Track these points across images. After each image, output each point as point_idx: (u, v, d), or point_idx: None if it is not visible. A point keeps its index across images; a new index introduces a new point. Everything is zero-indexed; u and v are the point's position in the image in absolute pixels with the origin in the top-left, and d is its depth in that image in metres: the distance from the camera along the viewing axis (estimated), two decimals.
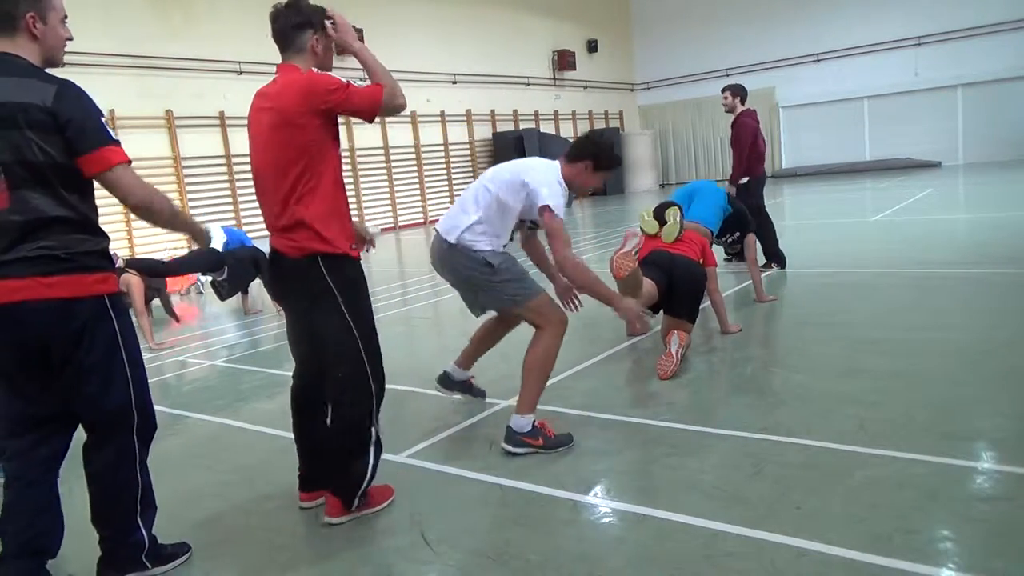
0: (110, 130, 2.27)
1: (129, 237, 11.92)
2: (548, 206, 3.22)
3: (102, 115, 2.28)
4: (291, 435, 3.88)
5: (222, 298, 7.85)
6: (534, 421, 3.31)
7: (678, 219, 4.91)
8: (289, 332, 2.97)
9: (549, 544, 2.54)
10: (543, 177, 3.30)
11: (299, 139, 2.62)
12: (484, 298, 3.47)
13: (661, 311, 4.59)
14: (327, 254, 2.65)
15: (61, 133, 2.18)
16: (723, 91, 7.41)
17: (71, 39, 2.40)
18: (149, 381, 2.54)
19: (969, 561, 2.23)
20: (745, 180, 7.15)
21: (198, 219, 14.90)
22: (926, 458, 2.90)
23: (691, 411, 3.72)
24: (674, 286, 4.50)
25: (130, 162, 2.30)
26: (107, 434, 2.42)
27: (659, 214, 4.99)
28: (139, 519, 2.50)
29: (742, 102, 7.30)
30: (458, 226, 3.34)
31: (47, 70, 2.29)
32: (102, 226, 2.36)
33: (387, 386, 3.97)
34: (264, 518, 2.98)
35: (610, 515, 2.73)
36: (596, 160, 3.41)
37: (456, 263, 3.38)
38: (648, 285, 4.34)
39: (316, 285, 2.66)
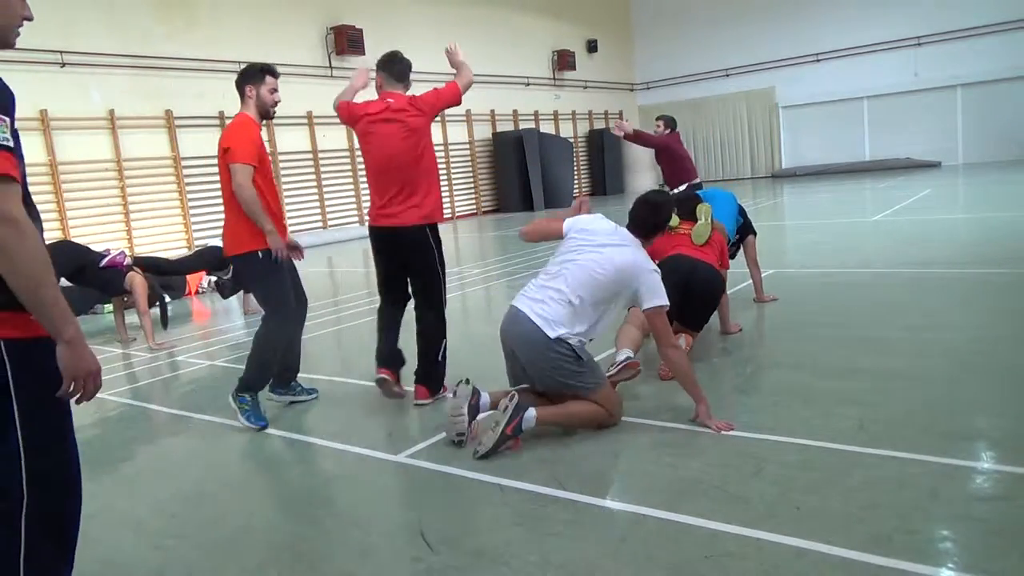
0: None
1: (129, 236, 11.92)
2: (658, 307, 3.46)
3: None
4: (291, 435, 3.91)
5: (224, 296, 7.88)
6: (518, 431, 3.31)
7: (711, 220, 4.78)
8: (389, 275, 4.21)
9: (549, 544, 2.54)
10: (652, 281, 3.48)
11: (423, 141, 4.10)
12: (553, 381, 3.47)
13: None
14: (434, 224, 4.12)
15: None
16: (656, 119, 8.42)
17: (30, 18, 1.96)
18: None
19: (969, 561, 2.23)
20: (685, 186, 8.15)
21: (200, 219, 14.75)
22: (926, 458, 2.90)
23: (691, 411, 3.72)
24: (692, 297, 4.37)
25: (16, 180, 1.74)
26: None
27: (685, 208, 4.84)
28: None
29: (671, 132, 8.30)
30: (561, 322, 3.43)
31: None
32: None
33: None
34: (265, 518, 2.98)
35: (610, 515, 2.74)
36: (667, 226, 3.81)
37: (548, 352, 3.42)
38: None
39: (426, 243, 4.07)
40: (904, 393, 3.66)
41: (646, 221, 3.65)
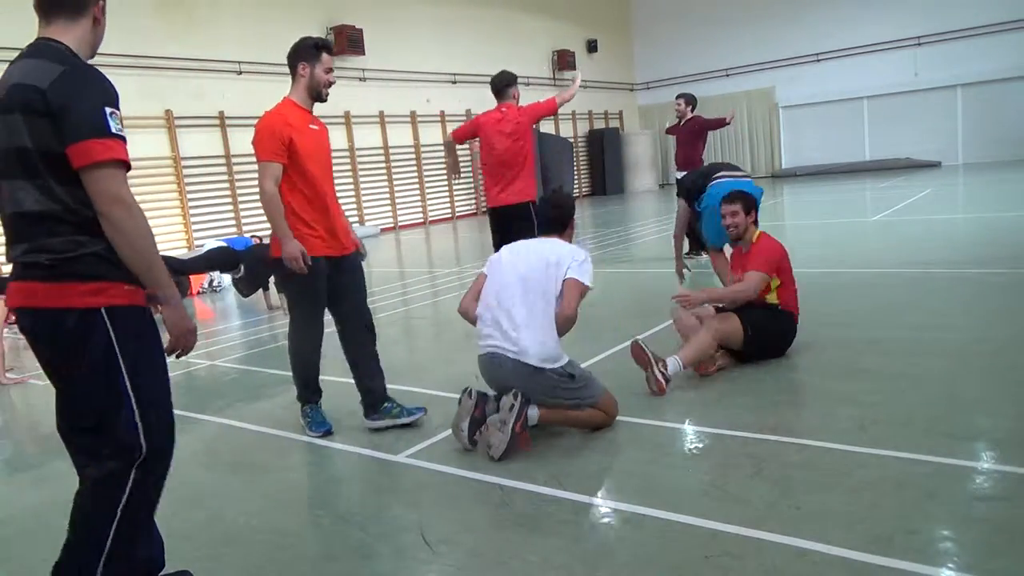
0: (113, 123, 1.97)
1: None
2: (579, 280, 3.46)
3: (108, 104, 1.98)
4: (291, 435, 3.90)
5: (244, 295, 7.91)
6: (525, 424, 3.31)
7: None
8: (505, 242, 4.40)
9: (549, 544, 2.54)
10: (579, 265, 3.48)
11: (527, 142, 5.49)
12: (553, 401, 3.43)
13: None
14: (533, 201, 5.39)
15: (53, 118, 1.92)
16: (676, 98, 8.98)
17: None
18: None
19: (969, 561, 2.23)
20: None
21: (200, 219, 14.78)
22: (926, 458, 2.90)
23: (691, 411, 3.72)
24: (761, 345, 4.34)
25: (126, 165, 2.00)
26: (94, 460, 2.06)
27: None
28: (97, 572, 2.07)
29: (692, 109, 8.87)
30: (540, 347, 3.37)
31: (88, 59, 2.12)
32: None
33: (388, 386, 4.00)
34: (265, 518, 2.98)
35: (610, 515, 2.74)
36: (574, 214, 3.80)
37: (540, 379, 3.38)
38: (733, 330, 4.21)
39: (529, 214, 5.32)
40: (905, 393, 3.66)
41: (558, 219, 3.71)
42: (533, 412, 3.33)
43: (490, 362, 3.49)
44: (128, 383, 2.03)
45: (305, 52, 3.65)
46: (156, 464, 2.16)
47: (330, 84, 3.72)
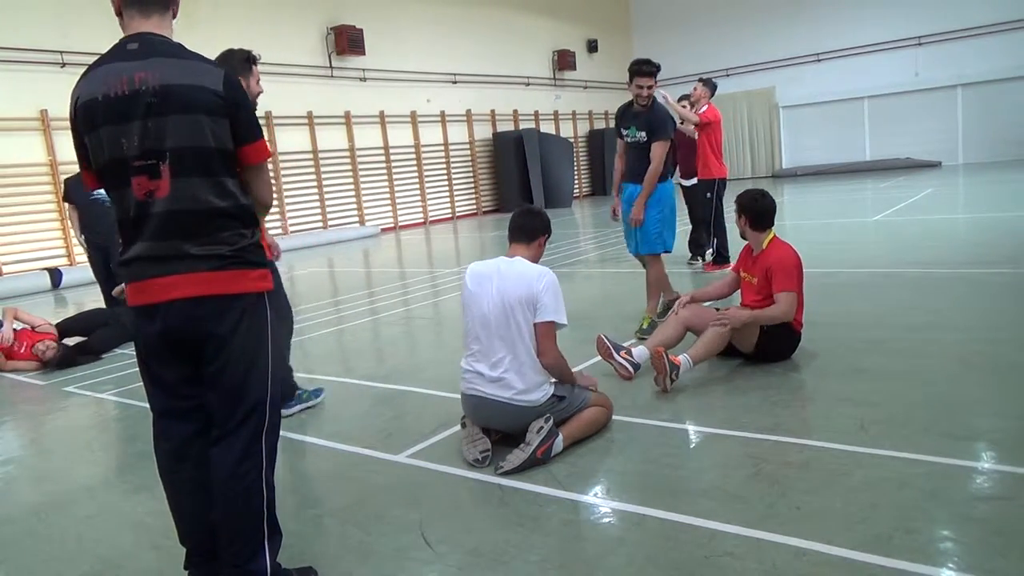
0: None
1: None
2: (548, 322, 3.25)
3: None
4: (291, 435, 3.90)
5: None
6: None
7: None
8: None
9: (549, 544, 2.54)
10: (547, 299, 3.25)
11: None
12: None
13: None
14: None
15: (230, 119, 2.11)
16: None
17: None
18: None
19: (969, 561, 2.23)
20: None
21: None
22: (926, 458, 2.90)
23: (691, 411, 3.72)
24: (770, 352, 4.32)
25: None
26: (237, 431, 2.24)
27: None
28: (266, 544, 2.35)
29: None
30: (532, 384, 3.26)
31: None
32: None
33: (388, 386, 3.98)
34: None
35: (610, 515, 2.74)
36: (549, 232, 3.55)
37: (531, 416, 3.26)
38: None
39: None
40: (905, 393, 3.66)
41: (527, 229, 3.47)
42: (559, 441, 3.24)
43: (476, 407, 3.34)
44: (269, 351, 2.27)
45: (238, 67, 3.73)
46: (274, 411, 2.36)
47: (259, 94, 3.81)
